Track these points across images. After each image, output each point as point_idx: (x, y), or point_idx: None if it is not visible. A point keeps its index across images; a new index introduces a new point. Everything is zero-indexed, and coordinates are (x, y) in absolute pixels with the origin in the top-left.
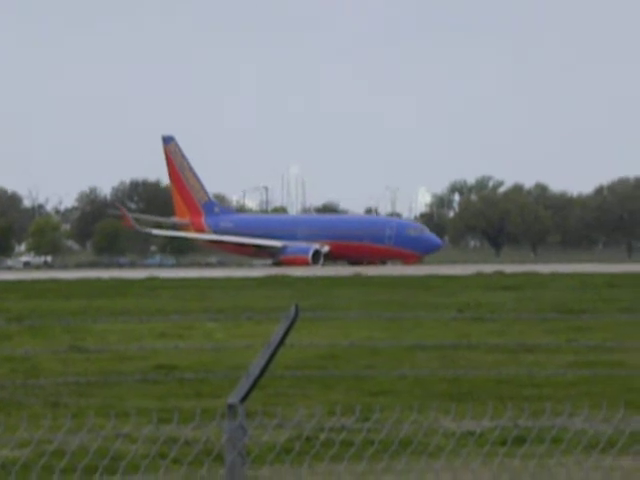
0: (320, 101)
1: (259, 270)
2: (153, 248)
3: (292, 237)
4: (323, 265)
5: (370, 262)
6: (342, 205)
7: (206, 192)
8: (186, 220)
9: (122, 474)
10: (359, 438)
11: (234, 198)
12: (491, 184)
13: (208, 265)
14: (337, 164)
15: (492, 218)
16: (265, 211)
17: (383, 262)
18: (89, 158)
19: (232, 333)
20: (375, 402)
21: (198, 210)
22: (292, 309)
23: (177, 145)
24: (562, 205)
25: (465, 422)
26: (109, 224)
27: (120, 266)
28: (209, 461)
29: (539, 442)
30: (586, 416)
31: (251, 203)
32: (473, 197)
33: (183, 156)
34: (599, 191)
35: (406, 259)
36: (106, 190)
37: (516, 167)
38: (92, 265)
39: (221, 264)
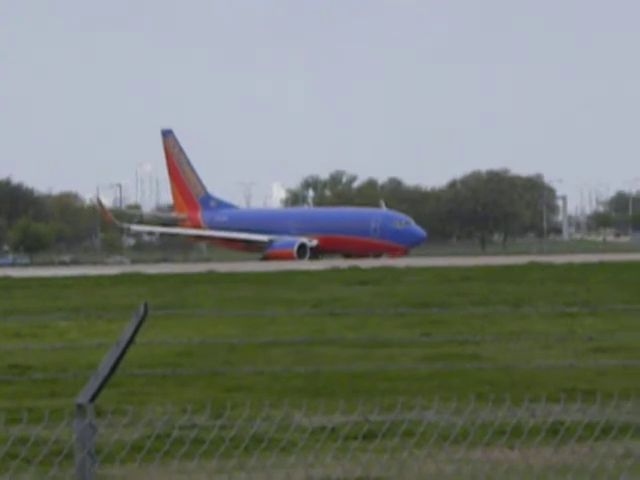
0: (171, 98)
1: (114, 268)
2: (6, 247)
3: (283, 231)
4: (311, 259)
5: (361, 255)
6: None
7: (203, 186)
8: (184, 215)
9: None
10: (211, 436)
11: (88, 196)
12: (344, 179)
13: (62, 264)
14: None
15: None
16: (118, 209)
17: (377, 255)
18: None
19: (86, 332)
20: (231, 398)
21: (195, 205)
22: (141, 307)
23: (175, 139)
24: (416, 199)
25: (318, 417)
26: None
27: None
28: (59, 460)
29: (391, 436)
30: (438, 409)
31: (105, 200)
32: (327, 192)
33: (181, 150)
34: (452, 185)
35: (392, 252)
36: None
37: (369, 162)
38: None
39: (75, 262)
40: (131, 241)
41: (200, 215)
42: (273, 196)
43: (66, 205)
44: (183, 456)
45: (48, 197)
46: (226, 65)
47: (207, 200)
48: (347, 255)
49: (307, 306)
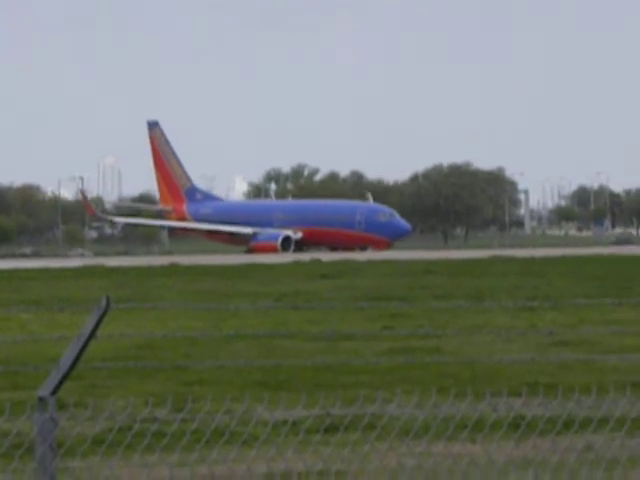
0: (133, 90)
1: (75, 260)
2: None
3: (268, 223)
4: (296, 252)
5: (346, 248)
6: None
7: (189, 178)
8: (169, 207)
9: None
10: (172, 429)
11: (49, 188)
12: (306, 172)
13: (23, 256)
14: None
15: None
16: (82, 202)
17: (363, 248)
18: None
19: (48, 324)
20: (192, 392)
21: (181, 197)
22: (103, 300)
23: (161, 130)
24: (379, 193)
25: (279, 411)
26: None
27: None
28: (20, 454)
29: (353, 429)
30: (399, 402)
31: (67, 193)
32: (289, 185)
33: (167, 142)
34: (414, 178)
35: (376, 245)
36: None
37: (331, 155)
38: None
39: (37, 254)
40: (93, 234)
41: (185, 207)
42: (235, 189)
43: (28, 197)
44: (145, 449)
45: (9, 189)
46: (188, 58)
47: (193, 192)
48: (333, 248)
49: (269, 299)
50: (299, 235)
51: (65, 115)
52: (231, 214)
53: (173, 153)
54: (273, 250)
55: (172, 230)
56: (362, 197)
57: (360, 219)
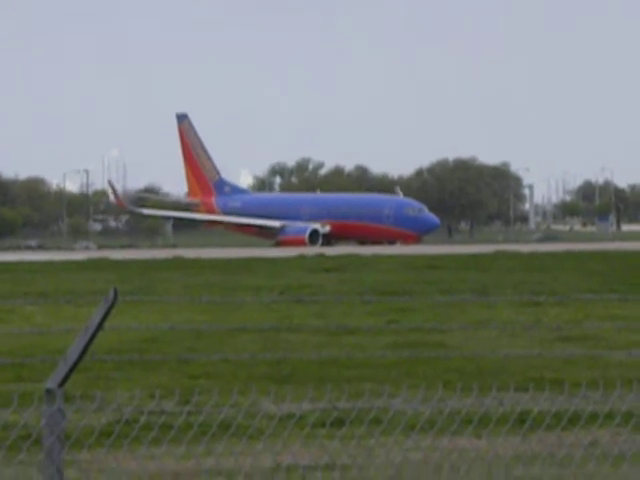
0: (138, 83)
1: (80, 253)
2: None
3: (296, 217)
4: (324, 245)
5: (374, 242)
6: (164, 188)
7: (217, 171)
8: (197, 200)
9: None
10: (179, 421)
11: (54, 181)
12: (311, 166)
13: (28, 248)
14: (157, 147)
15: None
16: (87, 195)
17: (391, 242)
18: None
19: (54, 317)
20: (197, 385)
21: (210, 190)
22: (111, 292)
23: (190, 123)
24: (383, 187)
25: (285, 404)
26: None
27: None
28: (27, 445)
29: (359, 423)
30: (405, 397)
31: (72, 186)
32: (294, 179)
33: (196, 134)
34: (419, 173)
35: (405, 239)
36: None
37: (335, 149)
38: None
39: (42, 247)
40: (97, 226)
41: (214, 200)
42: (240, 183)
43: (33, 190)
44: (151, 442)
45: (15, 182)
46: (191, 50)
47: (221, 185)
48: (361, 242)
49: (274, 293)
50: (327, 229)
51: (70, 108)
52: (259, 207)
53: (202, 146)
54: (301, 243)
55: (196, 223)
56: (391, 191)
57: (389, 213)
